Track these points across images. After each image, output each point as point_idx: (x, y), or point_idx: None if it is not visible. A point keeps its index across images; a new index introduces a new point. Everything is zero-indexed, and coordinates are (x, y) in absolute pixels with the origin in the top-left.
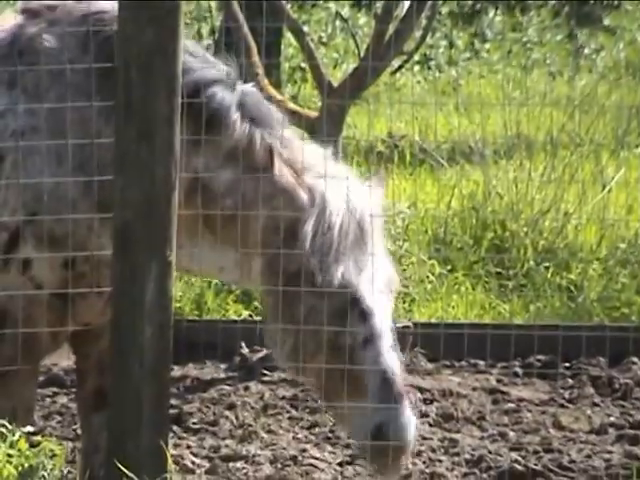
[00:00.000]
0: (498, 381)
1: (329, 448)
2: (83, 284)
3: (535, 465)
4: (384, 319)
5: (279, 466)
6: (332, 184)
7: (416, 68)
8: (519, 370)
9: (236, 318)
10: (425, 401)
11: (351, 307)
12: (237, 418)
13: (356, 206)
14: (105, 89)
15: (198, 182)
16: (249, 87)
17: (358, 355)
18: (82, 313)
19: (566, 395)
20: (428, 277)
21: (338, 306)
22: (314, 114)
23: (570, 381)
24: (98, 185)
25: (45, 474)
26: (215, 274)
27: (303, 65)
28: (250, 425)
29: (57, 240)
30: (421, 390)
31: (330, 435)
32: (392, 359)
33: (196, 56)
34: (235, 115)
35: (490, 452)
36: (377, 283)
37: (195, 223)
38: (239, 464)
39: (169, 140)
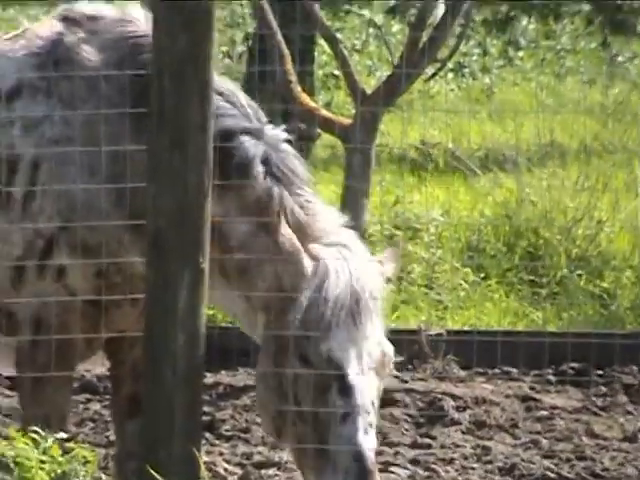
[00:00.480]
0: (531, 389)
1: None
2: (116, 294)
3: (568, 473)
4: (367, 397)
5: None
6: (339, 255)
7: (450, 76)
8: (552, 378)
9: None
10: (458, 409)
11: (334, 381)
12: None
13: (358, 280)
14: (138, 106)
15: (217, 229)
16: (278, 136)
17: (335, 430)
18: (116, 321)
19: (599, 403)
20: (461, 284)
21: (321, 379)
22: (348, 121)
23: (603, 389)
24: (130, 199)
25: None
26: (232, 317)
27: (336, 72)
28: None
29: (90, 250)
30: (454, 397)
31: None
32: (368, 438)
33: (226, 98)
34: (258, 169)
35: (523, 460)
36: (367, 360)
37: (213, 268)
38: (271, 471)
39: (202, 148)
